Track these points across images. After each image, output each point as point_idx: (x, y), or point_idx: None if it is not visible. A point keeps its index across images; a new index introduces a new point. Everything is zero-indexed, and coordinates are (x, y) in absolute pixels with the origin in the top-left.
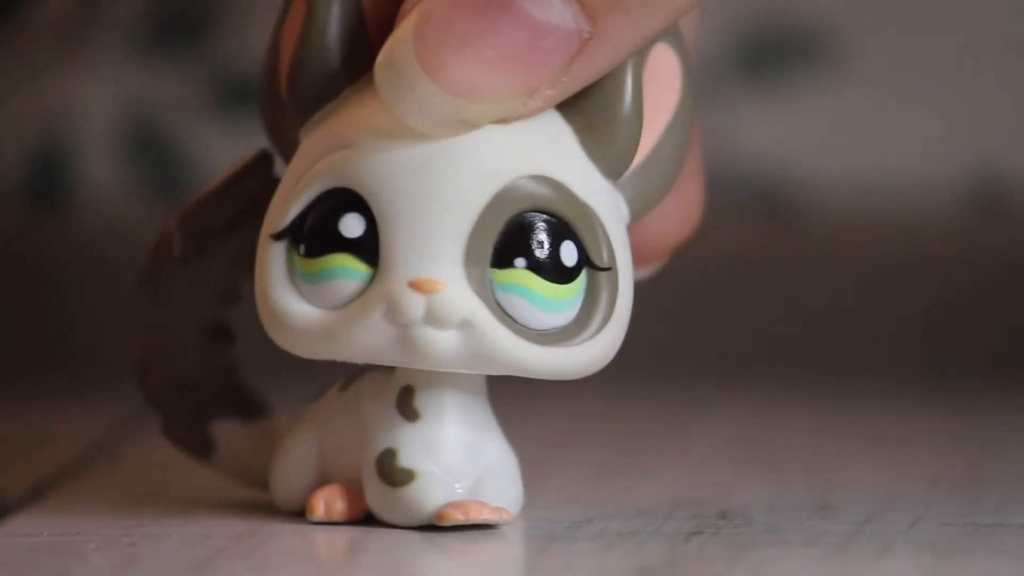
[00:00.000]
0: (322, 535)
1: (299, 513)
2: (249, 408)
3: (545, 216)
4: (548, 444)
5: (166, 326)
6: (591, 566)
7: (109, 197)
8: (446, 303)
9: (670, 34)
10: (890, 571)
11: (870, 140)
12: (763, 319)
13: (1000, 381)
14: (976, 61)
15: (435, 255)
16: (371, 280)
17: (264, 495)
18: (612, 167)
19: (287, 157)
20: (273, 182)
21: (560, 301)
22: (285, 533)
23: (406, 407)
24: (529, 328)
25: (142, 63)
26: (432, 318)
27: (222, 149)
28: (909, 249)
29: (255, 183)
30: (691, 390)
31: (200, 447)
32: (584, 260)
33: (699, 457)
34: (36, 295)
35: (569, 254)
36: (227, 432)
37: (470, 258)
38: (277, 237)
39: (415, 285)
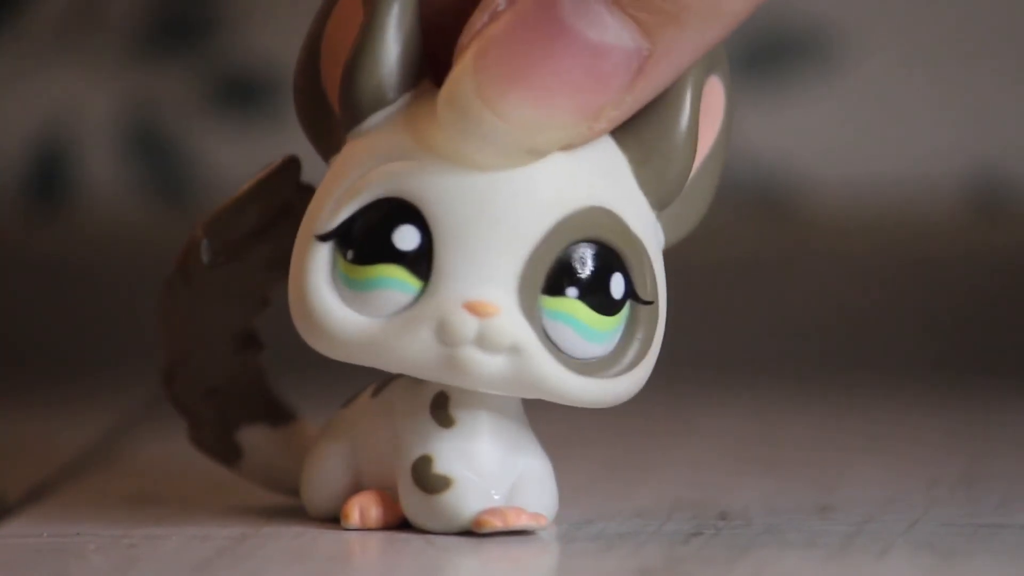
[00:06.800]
0: (321, 537)
1: (298, 515)
2: (276, 414)
3: (599, 247)
4: (548, 445)
5: (194, 333)
6: (590, 567)
7: (109, 196)
8: (499, 328)
9: (720, 66)
10: (890, 572)
11: (870, 140)
12: (762, 319)
13: (1000, 381)
14: (976, 61)
15: (490, 278)
16: (420, 294)
17: (267, 498)
18: (661, 198)
19: (327, 154)
20: (302, 188)
21: (604, 332)
22: (285, 534)
23: (441, 413)
24: (571, 357)
25: (142, 62)
26: (483, 341)
27: (222, 148)
28: (909, 249)
29: (284, 188)
30: (691, 390)
31: (227, 454)
32: (630, 293)
33: (699, 457)
34: (36, 295)
35: (618, 286)
36: (254, 438)
37: (524, 283)
38: (323, 238)
39: (470, 307)
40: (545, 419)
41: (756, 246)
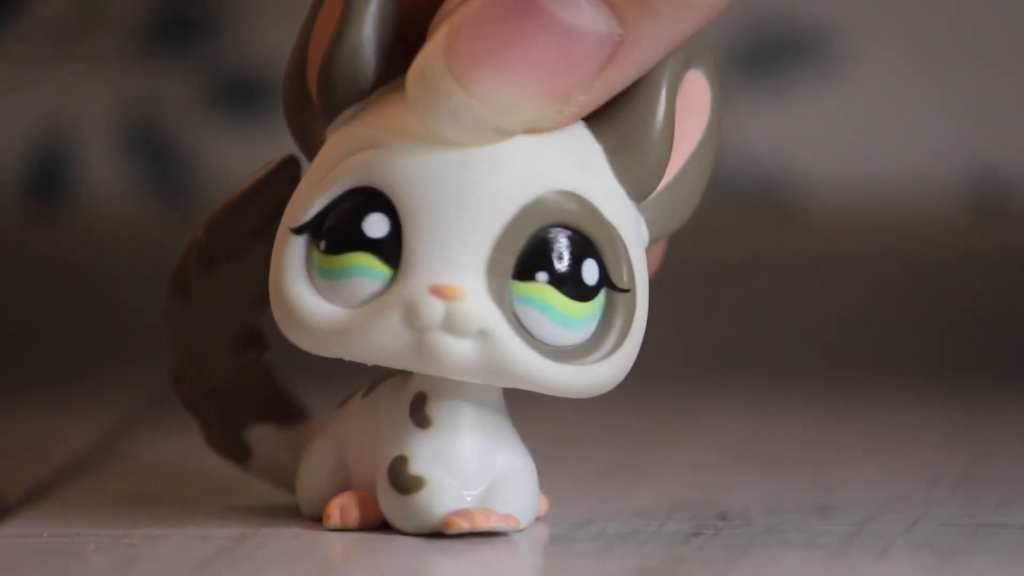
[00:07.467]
0: (321, 537)
1: (297, 515)
2: (285, 413)
3: (570, 232)
4: (548, 445)
5: (198, 333)
6: (590, 567)
7: (109, 196)
8: (466, 311)
9: (704, 61)
10: (890, 572)
11: (870, 140)
12: (762, 319)
13: (1001, 381)
14: (976, 61)
15: (458, 262)
16: (391, 282)
17: (267, 498)
18: (639, 188)
19: (311, 154)
20: None
21: (578, 319)
22: (285, 534)
23: (418, 414)
24: (545, 343)
25: (142, 62)
26: (450, 325)
27: (222, 147)
28: (909, 249)
29: (283, 188)
30: (691, 390)
31: (237, 453)
32: (604, 280)
33: (699, 457)
34: (36, 295)
35: (591, 272)
36: (263, 437)
37: (492, 268)
38: (298, 231)
39: (436, 291)
40: (544, 418)
41: (756, 246)
